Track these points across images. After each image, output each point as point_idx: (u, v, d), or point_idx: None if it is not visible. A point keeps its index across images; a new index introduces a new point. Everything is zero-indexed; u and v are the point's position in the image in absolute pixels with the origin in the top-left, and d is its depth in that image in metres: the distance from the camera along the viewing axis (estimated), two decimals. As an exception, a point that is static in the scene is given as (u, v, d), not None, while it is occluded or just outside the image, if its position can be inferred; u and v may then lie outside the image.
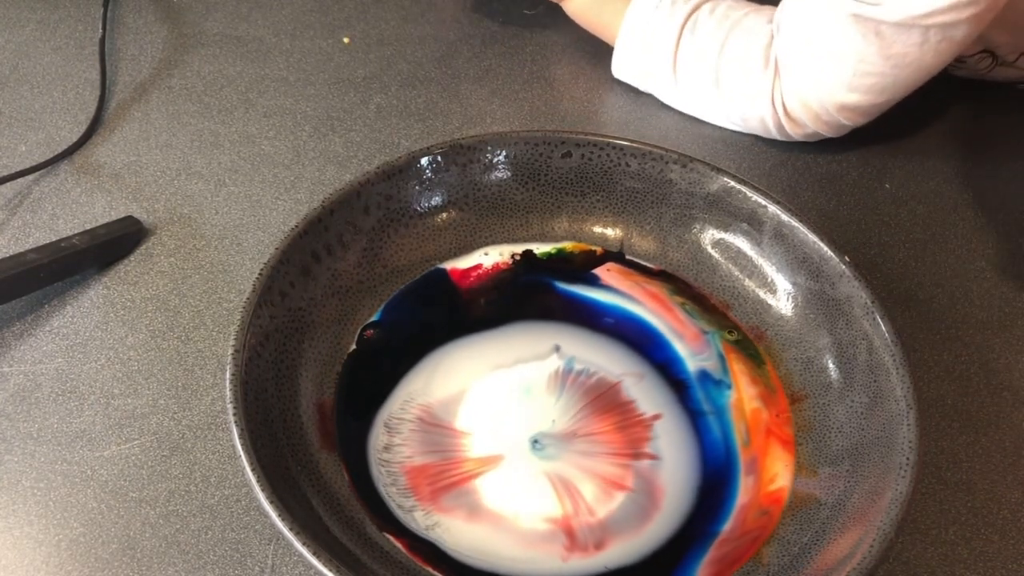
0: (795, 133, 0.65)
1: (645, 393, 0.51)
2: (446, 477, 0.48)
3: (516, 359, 0.53)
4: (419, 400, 0.50)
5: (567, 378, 0.52)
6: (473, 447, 0.49)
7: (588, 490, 0.48)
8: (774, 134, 0.66)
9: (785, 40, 0.61)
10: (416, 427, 0.49)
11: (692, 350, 0.53)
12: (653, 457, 0.49)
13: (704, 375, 0.52)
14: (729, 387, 0.52)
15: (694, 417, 0.51)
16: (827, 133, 0.65)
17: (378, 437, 0.49)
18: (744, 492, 0.48)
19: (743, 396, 0.51)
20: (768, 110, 0.64)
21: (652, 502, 0.47)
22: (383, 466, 0.48)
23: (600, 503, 0.47)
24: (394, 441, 0.49)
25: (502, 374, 0.52)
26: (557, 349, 0.53)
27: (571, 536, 0.46)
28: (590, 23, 0.72)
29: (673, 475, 0.48)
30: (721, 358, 0.53)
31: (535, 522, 0.46)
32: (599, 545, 0.46)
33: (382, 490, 0.47)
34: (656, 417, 0.50)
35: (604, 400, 0.51)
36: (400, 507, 0.46)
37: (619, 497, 0.47)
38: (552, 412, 0.50)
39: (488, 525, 0.46)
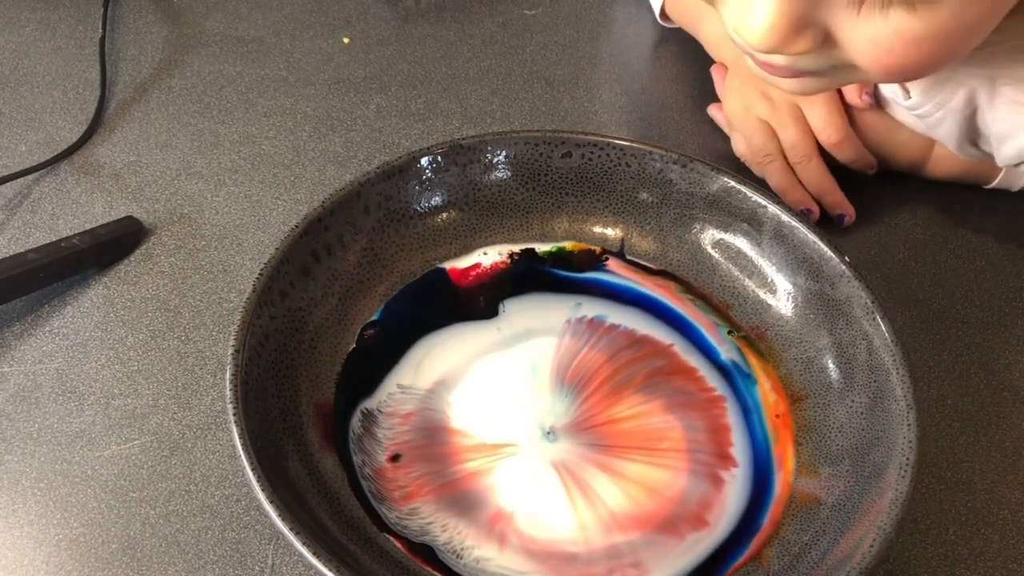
0: None
1: (702, 368, 0.46)
2: (426, 478, 0.46)
3: (526, 329, 0.49)
4: (404, 391, 0.49)
5: (597, 328, 0.46)
6: (468, 442, 0.47)
7: (619, 506, 0.42)
8: None
9: None
10: (400, 420, 0.48)
11: (715, 339, 0.52)
12: (735, 464, 0.43)
13: (735, 366, 0.51)
14: (755, 382, 0.50)
15: (745, 413, 0.48)
16: None
17: (357, 432, 0.47)
18: (776, 487, 0.46)
19: (765, 390, 0.50)
20: None
21: (712, 532, 0.43)
22: (363, 462, 0.46)
23: (635, 532, 0.42)
24: (374, 437, 0.47)
25: (505, 352, 0.49)
26: (579, 305, 0.48)
27: None
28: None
29: (739, 488, 0.44)
30: (739, 350, 0.52)
31: (537, 546, 0.43)
32: None
33: (364, 490, 0.45)
34: (724, 399, 0.46)
35: (660, 361, 0.43)
36: (379, 506, 0.45)
37: (691, 537, 0.41)
38: (565, 395, 0.46)
39: (475, 541, 0.43)
